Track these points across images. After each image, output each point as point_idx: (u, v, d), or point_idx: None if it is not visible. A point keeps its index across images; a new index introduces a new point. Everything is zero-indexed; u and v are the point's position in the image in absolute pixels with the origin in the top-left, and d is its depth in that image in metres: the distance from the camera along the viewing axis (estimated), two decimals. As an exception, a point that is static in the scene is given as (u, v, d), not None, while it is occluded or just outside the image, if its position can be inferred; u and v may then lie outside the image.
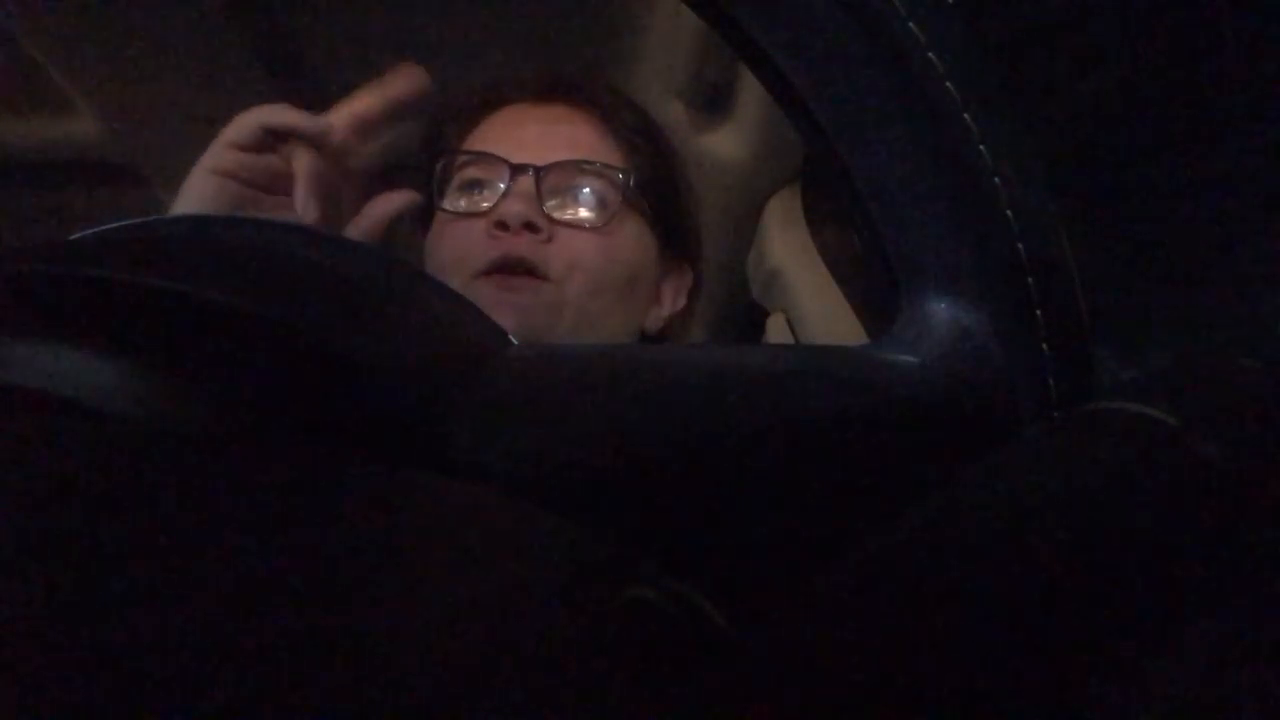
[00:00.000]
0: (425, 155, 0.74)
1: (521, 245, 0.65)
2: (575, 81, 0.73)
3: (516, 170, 0.67)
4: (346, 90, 0.58)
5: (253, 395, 0.23)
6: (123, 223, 0.39)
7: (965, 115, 0.28)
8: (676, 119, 0.99)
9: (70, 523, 0.16)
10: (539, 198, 0.66)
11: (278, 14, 0.94)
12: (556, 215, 0.67)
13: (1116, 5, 0.56)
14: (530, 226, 0.65)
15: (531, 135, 0.70)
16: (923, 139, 0.29)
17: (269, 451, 0.22)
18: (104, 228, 0.39)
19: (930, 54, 0.28)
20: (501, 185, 0.67)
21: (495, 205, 0.66)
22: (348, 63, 0.93)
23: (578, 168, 0.68)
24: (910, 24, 0.28)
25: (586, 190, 0.68)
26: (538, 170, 0.67)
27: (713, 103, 0.99)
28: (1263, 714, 0.17)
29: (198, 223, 0.39)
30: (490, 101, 0.74)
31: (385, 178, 0.63)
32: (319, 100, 0.58)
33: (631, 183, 0.69)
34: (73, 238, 0.35)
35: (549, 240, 0.66)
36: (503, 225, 0.65)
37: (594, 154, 0.69)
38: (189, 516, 0.17)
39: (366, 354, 0.24)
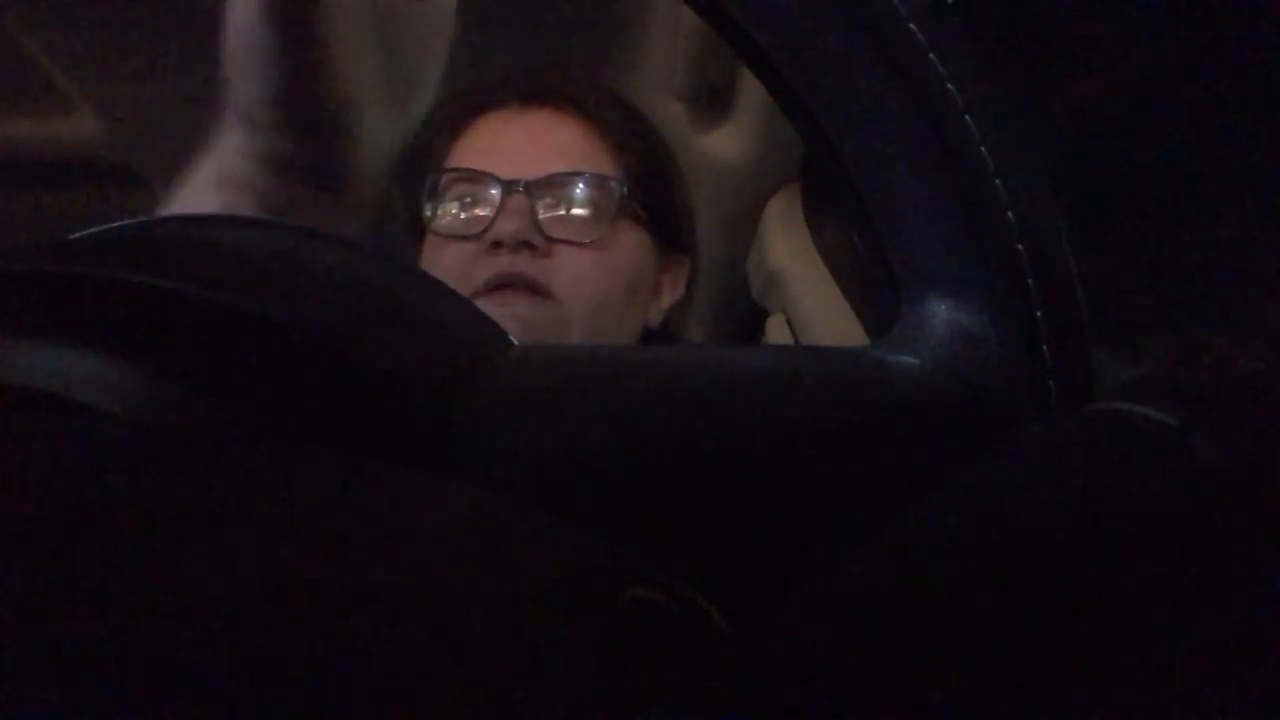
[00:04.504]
0: (410, 166, 0.73)
1: (520, 263, 0.65)
2: (558, 84, 0.73)
3: (508, 186, 0.66)
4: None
5: (253, 396, 0.23)
6: (123, 223, 0.39)
7: (966, 117, 0.28)
8: (676, 119, 0.99)
9: (69, 522, 0.16)
10: (533, 213, 0.66)
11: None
12: (553, 232, 0.66)
13: (1116, 6, 0.56)
14: (527, 244, 0.65)
15: (519, 145, 0.69)
16: (923, 140, 0.29)
17: (270, 452, 0.22)
18: (104, 228, 0.39)
19: (931, 55, 0.28)
20: (494, 197, 0.67)
21: (490, 225, 0.66)
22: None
23: (570, 180, 0.68)
24: (911, 25, 0.28)
25: (581, 203, 0.68)
26: (529, 185, 0.66)
27: (713, 103, 0.99)
28: (1263, 716, 0.17)
29: (198, 223, 0.39)
30: (473, 108, 0.73)
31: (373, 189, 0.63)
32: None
33: (626, 192, 0.69)
34: (73, 238, 0.35)
35: (547, 256, 0.66)
36: (499, 244, 0.65)
37: (584, 161, 0.69)
38: (187, 516, 0.17)
39: (368, 354, 0.24)
